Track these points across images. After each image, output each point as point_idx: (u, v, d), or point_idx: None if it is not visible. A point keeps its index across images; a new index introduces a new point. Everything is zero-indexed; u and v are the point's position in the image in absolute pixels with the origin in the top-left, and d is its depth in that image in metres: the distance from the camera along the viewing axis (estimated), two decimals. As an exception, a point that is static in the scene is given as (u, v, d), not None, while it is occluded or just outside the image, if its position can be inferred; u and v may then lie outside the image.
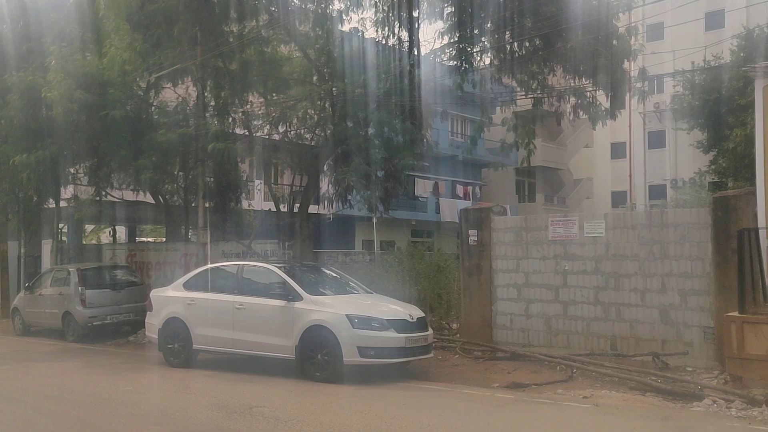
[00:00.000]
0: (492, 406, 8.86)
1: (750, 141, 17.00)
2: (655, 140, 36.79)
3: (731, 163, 24.79)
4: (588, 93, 16.70)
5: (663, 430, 7.63)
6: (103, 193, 19.35)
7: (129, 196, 20.40)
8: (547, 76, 16.63)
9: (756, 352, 8.84)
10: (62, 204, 20.85)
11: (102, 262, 20.08)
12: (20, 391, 10.15)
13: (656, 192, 35.84)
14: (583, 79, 16.30)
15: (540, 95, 16.98)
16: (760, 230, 9.84)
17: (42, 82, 15.47)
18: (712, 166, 27.08)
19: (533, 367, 10.93)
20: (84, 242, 27.94)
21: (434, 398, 9.33)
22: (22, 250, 24.26)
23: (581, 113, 17.28)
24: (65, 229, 25.22)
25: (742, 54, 24.89)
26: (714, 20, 32.54)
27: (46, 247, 22.95)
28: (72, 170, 19.32)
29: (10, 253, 23.94)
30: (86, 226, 31.04)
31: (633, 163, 37.52)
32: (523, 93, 17.18)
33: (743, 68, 21.13)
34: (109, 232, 29.00)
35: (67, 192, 20.86)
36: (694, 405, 8.54)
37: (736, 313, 9.25)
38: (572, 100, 16.99)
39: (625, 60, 16.30)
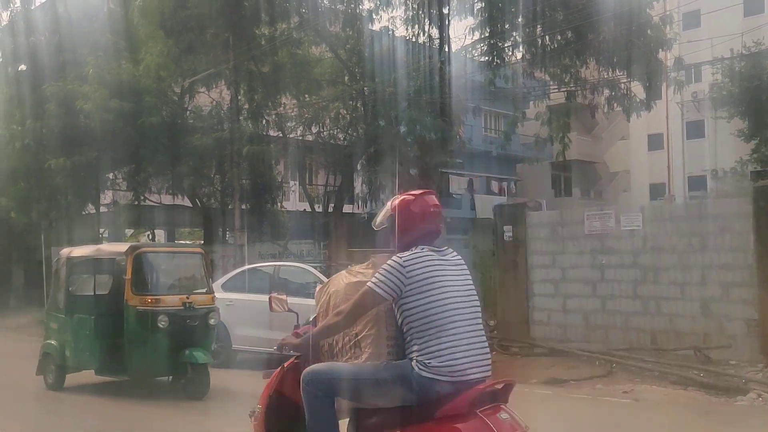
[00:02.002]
0: (530, 402, 8.79)
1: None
2: (694, 130, 35.99)
3: (774, 151, 24.18)
4: (622, 84, 16.47)
5: (706, 424, 7.50)
6: (142, 197, 19.69)
7: (167, 199, 20.73)
8: (580, 69, 16.43)
9: (801, 345, 8.64)
10: (102, 209, 21.29)
11: (142, 266, 20.38)
12: (67, 391, 10.39)
13: (696, 183, 35.07)
14: (617, 71, 16.08)
15: (573, 88, 16.79)
16: (803, 219, 9.60)
17: (78, 92, 15.80)
18: (755, 155, 26.41)
19: (572, 363, 10.81)
20: (125, 246, 28.45)
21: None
22: (66, 256, 24.82)
23: (616, 105, 17.05)
24: (106, 234, 25.72)
25: (782, 39, 24.25)
26: (753, 5, 31.72)
27: (89, 252, 23.41)
28: (110, 176, 19.71)
29: (54, 258, 24.49)
30: (126, 230, 31.62)
31: (671, 154, 36.78)
32: (556, 87, 17.01)
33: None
34: (148, 236, 29.50)
35: (106, 197, 21.30)
36: (738, 399, 8.37)
37: (780, 305, 9.04)
38: (606, 92, 16.77)
39: (660, 50, 16.04)
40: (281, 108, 17.91)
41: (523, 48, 16.21)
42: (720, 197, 21.59)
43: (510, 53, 16.11)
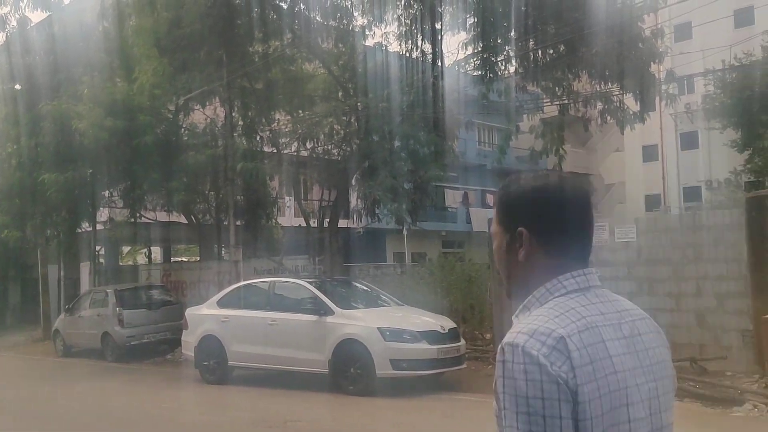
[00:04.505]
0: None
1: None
2: (688, 141, 36.19)
3: (767, 162, 24.31)
4: (615, 97, 16.55)
5: (702, 436, 7.49)
6: (138, 214, 19.72)
7: (162, 216, 20.76)
8: (573, 82, 16.52)
9: (796, 355, 8.65)
10: (98, 227, 21.30)
11: (138, 283, 20.41)
12: (69, 411, 10.36)
13: (691, 194, 35.21)
14: (610, 84, 16.17)
15: (566, 101, 16.87)
16: (795, 229, 9.64)
17: (73, 111, 15.86)
18: (748, 165, 26.56)
19: (568, 376, 10.79)
20: (121, 264, 28.49)
21: (469, 409, 9.28)
22: (62, 273, 24.79)
23: (609, 118, 17.12)
24: (102, 252, 25.71)
25: (773, 50, 24.46)
26: (743, 17, 32.02)
27: (85, 269, 23.42)
28: (106, 193, 19.75)
29: (51, 276, 24.48)
30: (122, 247, 31.62)
31: (666, 165, 36.95)
32: (549, 100, 17.09)
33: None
34: (145, 253, 29.51)
35: (102, 215, 21.32)
36: (734, 410, 8.38)
37: (774, 315, 9.06)
38: (599, 105, 16.85)
39: (653, 62, 16.14)
40: (275, 124, 17.97)
41: (515, 62, 16.30)
42: (714, 208, 21.66)
43: (503, 67, 16.19)
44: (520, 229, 1.53)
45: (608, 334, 1.45)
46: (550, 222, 1.52)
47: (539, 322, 1.43)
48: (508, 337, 1.42)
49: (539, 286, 1.54)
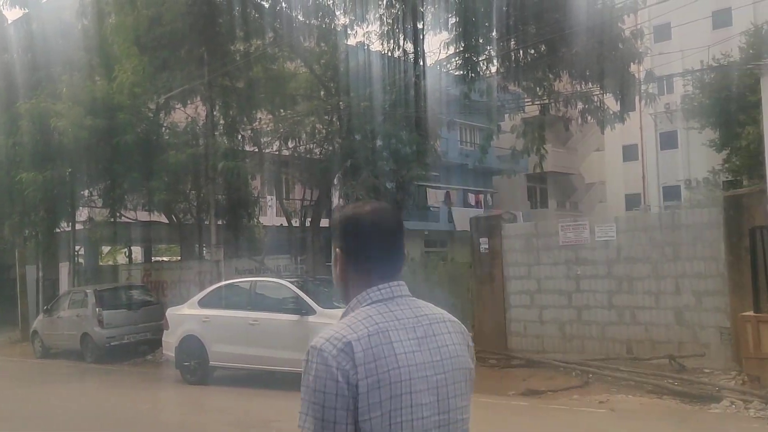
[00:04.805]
0: (508, 413, 8.84)
1: (762, 138, 16.91)
2: (668, 141, 36.55)
3: (745, 161, 24.60)
4: (595, 97, 16.67)
5: (680, 432, 7.57)
6: (118, 214, 19.54)
7: (143, 216, 20.60)
8: (554, 82, 16.61)
9: (773, 352, 8.77)
10: (78, 226, 21.08)
11: (118, 283, 20.23)
12: (47, 412, 10.25)
13: (671, 193, 35.56)
14: (590, 84, 16.29)
15: (547, 101, 16.96)
16: (772, 228, 9.77)
17: (52, 110, 15.69)
18: (726, 165, 26.88)
19: (548, 374, 10.88)
20: (100, 264, 28.21)
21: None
22: (40, 274, 24.50)
23: (589, 117, 17.24)
24: (82, 252, 25.45)
25: (750, 51, 24.76)
26: (721, 18, 32.40)
27: (64, 269, 23.16)
28: (85, 192, 19.56)
29: (29, 277, 24.17)
30: (102, 247, 31.31)
31: (646, 164, 37.27)
32: (530, 100, 17.17)
33: (749, 66, 21.04)
34: (125, 253, 29.25)
35: (82, 214, 21.11)
36: (711, 407, 8.48)
37: (751, 313, 9.18)
38: (579, 105, 16.95)
39: (632, 62, 16.27)
40: (257, 123, 17.90)
41: (497, 62, 16.36)
42: (693, 207, 21.91)
43: (484, 67, 16.24)
44: (336, 249, 1.91)
45: (398, 336, 1.76)
46: (356, 245, 1.88)
47: (338, 329, 1.75)
48: (313, 341, 1.75)
49: (354, 297, 1.87)
